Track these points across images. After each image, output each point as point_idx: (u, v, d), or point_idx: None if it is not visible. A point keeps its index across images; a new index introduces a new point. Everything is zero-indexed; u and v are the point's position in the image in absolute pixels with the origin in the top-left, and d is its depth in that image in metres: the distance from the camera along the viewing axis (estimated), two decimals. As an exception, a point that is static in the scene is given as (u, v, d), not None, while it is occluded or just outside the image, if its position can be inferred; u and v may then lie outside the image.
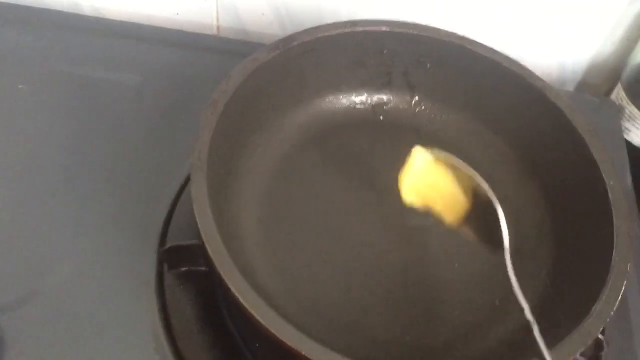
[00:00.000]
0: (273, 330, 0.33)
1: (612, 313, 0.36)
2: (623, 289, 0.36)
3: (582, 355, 0.40)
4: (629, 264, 0.37)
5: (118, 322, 0.43)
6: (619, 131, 0.60)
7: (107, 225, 0.47)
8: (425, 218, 0.47)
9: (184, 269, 0.44)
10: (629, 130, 0.61)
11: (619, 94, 0.62)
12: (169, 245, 0.44)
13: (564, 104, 0.47)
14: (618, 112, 0.62)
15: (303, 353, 0.32)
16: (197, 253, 0.42)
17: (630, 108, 0.60)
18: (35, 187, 0.49)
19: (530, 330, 0.38)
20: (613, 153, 0.53)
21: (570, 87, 0.68)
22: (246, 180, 0.46)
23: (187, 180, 0.39)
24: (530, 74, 0.49)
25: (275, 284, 0.42)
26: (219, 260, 0.35)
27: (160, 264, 0.45)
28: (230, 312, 0.43)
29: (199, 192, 0.38)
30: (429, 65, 0.52)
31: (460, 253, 0.46)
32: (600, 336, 0.41)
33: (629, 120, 0.61)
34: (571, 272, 0.42)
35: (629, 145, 0.61)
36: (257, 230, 0.44)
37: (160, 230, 0.47)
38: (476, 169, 0.49)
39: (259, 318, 0.33)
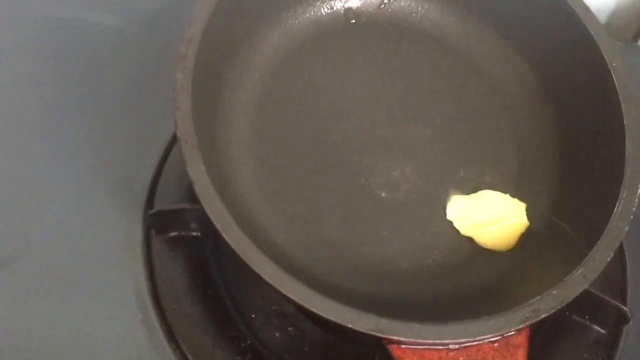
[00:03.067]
0: (257, 269, 0.31)
1: (634, 209, 0.35)
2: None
3: (601, 326, 0.41)
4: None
5: (103, 291, 0.40)
6: None
7: (90, 184, 0.44)
8: (421, 129, 0.45)
9: (173, 234, 0.41)
10: None
11: None
12: (156, 209, 0.42)
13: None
14: None
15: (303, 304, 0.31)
16: (187, 217, 0.40)
17: None
18: (11, 142, 0.45)
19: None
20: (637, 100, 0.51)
21: None
22: (234, 116, 0.42)
23: (175, 136, 0.35)
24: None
25: (270, 218, 0.40)
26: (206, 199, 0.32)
27: (147, 228, 0.42)
28: (224, 280, 0.41)
29: (189, 137, 0.34)
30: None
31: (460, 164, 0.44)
32: (623, 307, 0.41)
33: None
34: (579, 185, 0.41)
35: None
36: (249, 165, 0.41)
37: (147, 191, 0.43)
38: (462, 58, 0.47)
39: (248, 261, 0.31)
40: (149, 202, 0.43)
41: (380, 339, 0.31)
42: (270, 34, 0.46)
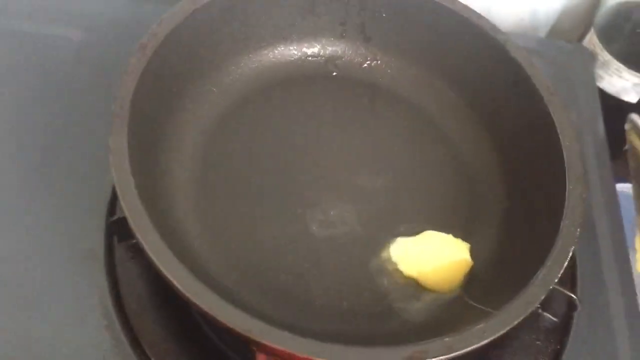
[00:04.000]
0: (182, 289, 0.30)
1: (556, 280, 0.34)
2: (570, 254, 0.34)
3: (553, 315, 0.41)
4: (578, 229, 0.35)
5: (65, 297, 0.39)
6: (591, 78, 0.57)
7: (51, 193, 0.43)
8: (375, 179, 0.45)
9: (134, 241, 0.40)
10: (602, 77, 0.59)
11: (591, 40, 0.59)
12: (117, 215, 0.41)
13: (524, 58, 0.44)
14: (591, 58, 0.59)
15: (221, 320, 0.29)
16: None
17: (603, 54, 0.58)
18: None
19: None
20: (585, 100, 0.52)
21: (542, 33, 0.65)
22: (180, 133, 0.42)
23: None
24: (491, 26, 0.46)
25: (204, 245, 0.39)
26: (132, 213, 0.32)
27: (109, 235, 0.41)
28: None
29: (118, 145, 0.34)
30: (384, 15, 0.48)
31: (402, 218, 0.43)
32: (573, 295, 0.41)
33: (601, 67, 0.58)
34: (520, 234, 0.41)
35: (601, 93, 0.58)
36: (188, 189, 0.41)
37: (109, 199, 0.43)
38: (430, 122, 0.48)
39: (173, 280, 0.30)
40: (111, 209, 0.42)
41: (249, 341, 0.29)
42: (243, 63, 0.47)
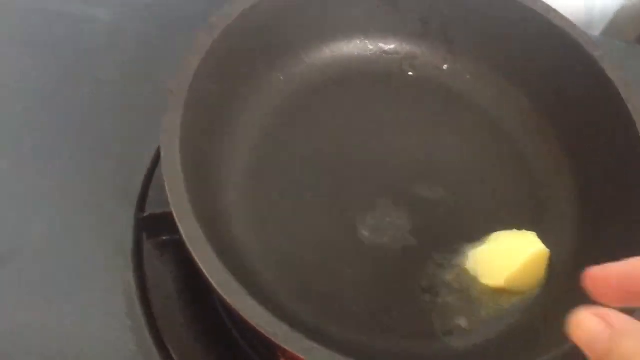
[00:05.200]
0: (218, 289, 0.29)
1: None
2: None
3: None
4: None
5: (93, 294, 0.38)
6: None
7: (81, 185, 0.42)
8: (436, 190, 0.42)
9: (164, 237, 0.40)
10: None
11: None
12: (148, 212, 0.40)
13: (620, 80, 0.40)
14: None
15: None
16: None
17: None
18: (2, 140, 0.44)
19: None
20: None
21: (597, 31, 0.60)
22: (237, 120, 0.41)
23: None
24: (589, 40, 0.42)
25: (246, 237, 0.37)
26: (176, 200, 0.31)
27: (138, 231, 0.40)
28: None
29: (171, 124, 0.33)
30: (470, 17, 0.45)
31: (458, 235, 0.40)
32: None
33: None
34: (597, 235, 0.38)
35: None
36: (238, 178, 0.39)
37: (139, 193, 0.42)
38: (504, 135, 0.45)
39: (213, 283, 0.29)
40: (141, 205, 0.41)
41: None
42: (316, 54, 0.45)
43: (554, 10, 0.43)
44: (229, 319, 0.38)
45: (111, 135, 0.45)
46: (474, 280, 0.38)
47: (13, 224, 0.41)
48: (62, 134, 0.44)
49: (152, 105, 0.42)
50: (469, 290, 0.37)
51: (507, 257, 0.38)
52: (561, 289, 0.37)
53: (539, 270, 0.38)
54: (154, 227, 0.40)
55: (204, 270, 0.30)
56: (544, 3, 0.43)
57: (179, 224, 0.30)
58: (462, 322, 0.36)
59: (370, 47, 0.47)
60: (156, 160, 0.43)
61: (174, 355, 0.37)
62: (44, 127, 0.45)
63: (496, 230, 0.39)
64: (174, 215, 0.31)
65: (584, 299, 0.32)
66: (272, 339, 0.28)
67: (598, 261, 0.36)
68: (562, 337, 0.25)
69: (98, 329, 0.38)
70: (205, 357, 0.37)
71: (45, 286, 0.39)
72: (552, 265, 0.38)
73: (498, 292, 0.37)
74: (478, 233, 0.40)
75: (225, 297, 0.29)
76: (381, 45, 0.47)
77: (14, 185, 0.42)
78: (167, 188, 0.31)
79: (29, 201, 0.42)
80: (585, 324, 0.21)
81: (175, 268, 0.40)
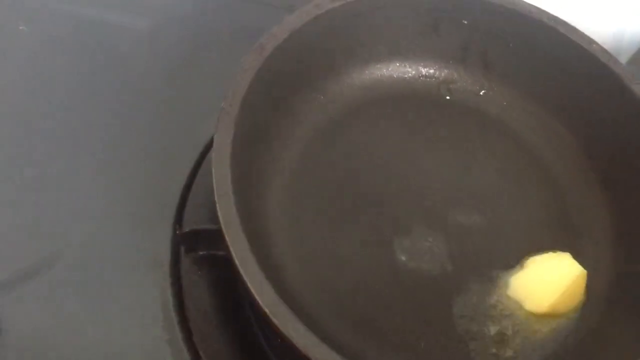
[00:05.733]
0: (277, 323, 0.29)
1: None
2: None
3: None
4: None
5: (130, 305, 0.39)
6: None
7: (120, 195, 0.42)
8: (471, 215, 0.43)
9: (202, 253, 0.40)
10: None
11: None
12: (186, 227, 0.40)
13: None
14: None
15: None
16: (218, 237, 0.36)
17: None
18: (45, 148, 0.44)
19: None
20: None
21: (624, 59, 0.60)
22: (281, 138, 0.42)
23: (208, 146, 0.34)
24: (628, 74, 0.42)
25: (288, 259, 0.38)
26: (227, 219, 0.31)
27: (176, 245, 0.41)
28: (253, 305, 0.39)
29: (222, 142, 0.34)
30: (510, 45, 0.46)
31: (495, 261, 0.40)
32: None
33: None
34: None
35: None
36: (281, 196, 0.40)
37: (177, 205, 0.42)
38: (539, 162, 0.46)
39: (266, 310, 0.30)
40: (178, 218, 0.42)
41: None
42: (356, 75, 0.46)
43: (596, 43, 0.43)
44: (264, 337, 0.39)
45: (149, 146, 0.45)
46: (516, 306, 0.38)
47: (55, 230, 0.41)
48: (102, 145, 0.45)
49: (188, 115, 0.43)
50: (511, 317, 0.38)
51: (549, 282, 0.38)
52: (599, 310, 0.38)
53: (579, 293, 0.39)
54: (192, 242, 0.40)
55: (254, 292, 0.30)
56: (585, 35, 0.44)
57: (229, 244, 0.31)
58: (504, 350, 0.36)
59: (410, 70, 0.48)
60: (193, 175, 0.44)
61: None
62: (84, 137, 0.45)
63: (531, 255, 0.40)
64: (224, 233, 0.31)
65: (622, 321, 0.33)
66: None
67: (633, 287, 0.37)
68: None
69: (134, 339, 0.38)
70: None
71: (82, 294, 0.39)
72: (588, 287, 0.39)
73: (541, 317, 0.38)
74: (513, 259, 0.40)
75: (274, 320, 0.29)
76: (420, 68, 0.48)
77: (57, 192, 0.43)
78: (217, 207, 0.32)
79: (71, 209, 0.42)
80: None
81: (212, 283, 0.40)
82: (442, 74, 0.48)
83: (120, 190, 0.43)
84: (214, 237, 0.35)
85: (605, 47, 0.47)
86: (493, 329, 0.37)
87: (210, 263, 0.40)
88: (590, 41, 0.43)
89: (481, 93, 0.48)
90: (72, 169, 0.44)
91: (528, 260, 0.40)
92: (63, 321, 0.38)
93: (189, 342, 0.38)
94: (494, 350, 0.37)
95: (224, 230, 0.31)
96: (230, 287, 0.40)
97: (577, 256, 0.40)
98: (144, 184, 0.43)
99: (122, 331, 0.38)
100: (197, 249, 0.40)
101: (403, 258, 0.40)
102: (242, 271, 0.30)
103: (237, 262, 0.30)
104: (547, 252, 0.40)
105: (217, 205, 0.32)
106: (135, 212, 0.42)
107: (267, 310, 0.29)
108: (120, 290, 0.40)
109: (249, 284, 0.30)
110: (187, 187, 0.43)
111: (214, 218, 0.32)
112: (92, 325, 0.38)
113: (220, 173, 0.33)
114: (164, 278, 0.40)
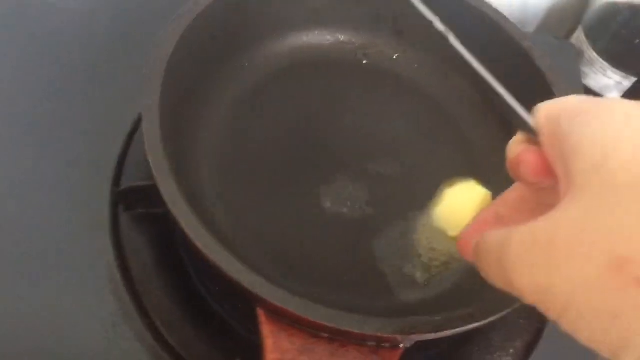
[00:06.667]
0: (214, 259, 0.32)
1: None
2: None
3: None
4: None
5: (71, 263, 0.41)
6: (577, 75, 0.59)
7: (57, 159, 0.45)
8: (389, 166, 0.47)
9: (140, 211, 0.43)
10: (587, 75, 0.60)
11: (579, 37, 0.61)
12: (123, 186, 0.43)
13: (548, 68, 0.45)
14: (577, 55, 0.60)
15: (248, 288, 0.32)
16: (153, 194, 0.39)
17: (590, 52, 0.59)
18: None
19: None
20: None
21: (530, 28, 0.67)
22: (209, 105, 0.45)
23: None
24: (520, 33, 0.47)
25: (221, 208, 0.41)
26: (158, 170, 0.34)
27: (114, 204, 0.43)
28: (189, 255, 0.42)
29: (151, 106, 0.36)
30: (417, 12, 0.50)
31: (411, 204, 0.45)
32: None
33: (587, 65, 0.60)
34: None
35: (586, 89, 0.60)
36: (212, 158, 0.43)
37: (114, 167, 0.45)
38: (448, 117, 0.51)
39: (204, 250, 0.33)
40: (117, 178, 0.44)
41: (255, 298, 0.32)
42: (278, 43, 0.50)
43: (488, 5, 0.48)
44: (202, 286, 0.42)
45: (87, 113, 0.48)
46: (442, 237, 0.41)
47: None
48: (37, 113, 0.47)
49: (124, 87, 0.46)
50: (434, 249, 0.42)
51: (462, 206, 0.41)
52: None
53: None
54: (130, 200, 0.43)
55: (187, 231, 0.33)
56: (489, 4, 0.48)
57: (161, 190, 0.33)
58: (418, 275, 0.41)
59: (328, 37, 0.52)
60: (129, 138, 0.46)
61: (151, 315, 0.40)
62: (15, 106, 0.47)
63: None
64: (156, 181, 0.34)
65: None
66: (251, 289, 0.32)
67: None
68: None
69: (78, 298, 0.40)
70: (181, 317, 0.41)
71: (25, 260, 0.41)
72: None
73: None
74: (428, 201, 0.44)
75: (209, 255, 0.32)
76: (338, 35, 0.52)
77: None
78: (150, 160, 0.35)
79: (7, 176, 0.44)
80: None
81: (152, 239, 0.43)
82: (359, 41, 0.52)
83: (59, 156, 0.45)
84: (151, 194, 0.38)
85: (513, 18, 0.52)
86: (408, 262, 0.42)
87: (150, 221, 0.43)
88: (482, 3, 0.48)
89: (395, 57, 0.52)
90: (5, 137, 0.46)
91: (444, 193, 0.43)
92: (6, 287, 0.40)
93: (132, 290, 0.40)
94: (408, 278, 0.41)
95: (155, 175, 0.34)
96: (167, 240, 0.43)
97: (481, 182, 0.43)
98: (83, 148, 0.46)
99: (67, 292, 0.40)
100: (135, 207, 0.43)
101: (328, 204, 0.44)
102: (172, 209, 0.33)
103: (165, 199, 0.33)
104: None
105: (147, 154, 0.34)
106: (73, 175, 0.44)
107: (199, 244, 0.32)
108: (63, 252, 0.42)
109: (178, 219, 0.32)
110: (125, 150, 0.46)
111: (151, 177, 0.35)
112: (37, 287, 0.40)
113: (149, 127, 0.36)
114: (105, 235, 0.42)
